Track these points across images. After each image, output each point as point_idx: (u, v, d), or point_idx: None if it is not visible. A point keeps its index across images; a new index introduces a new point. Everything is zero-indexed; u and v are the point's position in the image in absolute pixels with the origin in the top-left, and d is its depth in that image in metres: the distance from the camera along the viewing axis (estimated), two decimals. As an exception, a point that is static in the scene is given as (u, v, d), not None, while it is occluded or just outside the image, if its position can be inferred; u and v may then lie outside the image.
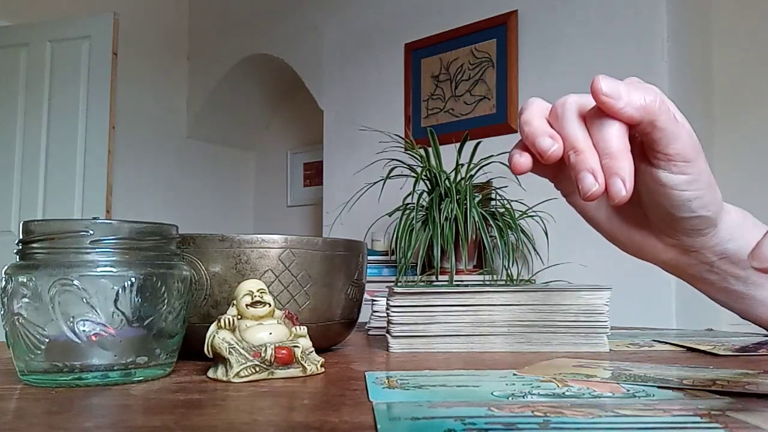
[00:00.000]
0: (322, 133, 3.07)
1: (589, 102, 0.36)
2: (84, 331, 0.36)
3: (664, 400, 0.30)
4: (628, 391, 0.33)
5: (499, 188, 2.21)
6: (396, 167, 2.22)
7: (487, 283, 1.95)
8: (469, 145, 2.17)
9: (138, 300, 0.37)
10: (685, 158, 0.37)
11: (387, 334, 0.54)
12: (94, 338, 0.36)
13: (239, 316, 0.40)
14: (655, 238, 0.44)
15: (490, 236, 2.06)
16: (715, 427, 0.25)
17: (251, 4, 3.45)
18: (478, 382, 0.36)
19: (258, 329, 0.40)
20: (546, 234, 2.10)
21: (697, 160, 0.38)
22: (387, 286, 0.58)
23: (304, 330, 0.41)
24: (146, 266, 0.38)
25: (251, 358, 0.38)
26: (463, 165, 2.15)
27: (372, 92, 2.87)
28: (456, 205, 2.02)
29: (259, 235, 0.48)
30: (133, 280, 0.37)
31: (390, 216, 2.24)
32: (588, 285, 0.53)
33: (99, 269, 0.37)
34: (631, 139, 0.37)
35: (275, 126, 4.06)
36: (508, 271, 2.08)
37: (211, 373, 0.39)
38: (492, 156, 2.10)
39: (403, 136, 2.58)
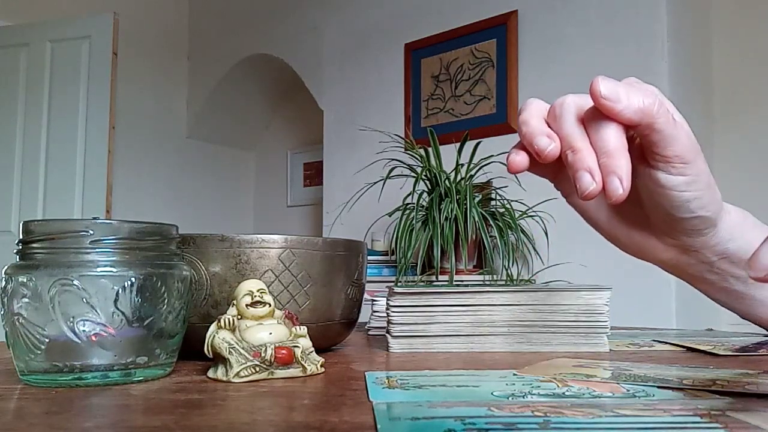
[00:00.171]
0: (322, 133, 3.07)
1: (588, 102, 0.36)
2: (84, 331, 0.36)
3: (664, 400, 0.30)
4: (628, 391, 0.33)
5: (499, 188, 2.21)
6: (396, 167, 2.22)
7: (487, 283, 1.95)
8: (469, 145, 2.17)
9: (138, 300, 0.37)
10: (683, 160, 0.37)
11: (387, 334, 0.54)
12: (94, 338, 0.36)
13: (239, 316, 0.40)
14: (655, 238, 0.44)
15: (490, 236, 2.06)
16: (715, 427, 0.25)
17: (251, 4, 3.45)
18: (478, 382, 0.36)
19: (258, 329, 0.40)
20: (546, 234, 2.10)
21: (695, 161, 0.38)
22: (387, 286, 0.58)
23: (304, 330, 0.41)
24: (146, 266, 0.38)
25: (251, 358, 0.38)
26: (463, 165, 2.15)
27: (372, 92, 2.87)
28: (456, 205, 2.02)
29: (259, 235, 0.48)
30: (133, 280, 0.37)
31: (390, 216, 2.24)
32: (588, 285, 0.53)
33: (99, 269, 0.37)
34: (630, 140, 0.37)
35: (275, 126, 4.06)
36: (508, 271, 2.08)
37: (211, 373, 0.39)
38: (492, 156, 2.10)
39: (403, 136, 2.58)
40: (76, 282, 0.36)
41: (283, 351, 0.39)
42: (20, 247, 0.38)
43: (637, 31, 2.14)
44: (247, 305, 0.40)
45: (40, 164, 2.75)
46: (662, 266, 0.47)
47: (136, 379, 0.38)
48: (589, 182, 0.34)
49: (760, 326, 0.49)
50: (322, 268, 0.51)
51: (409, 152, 2.30)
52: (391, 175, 2.20)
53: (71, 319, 0.36)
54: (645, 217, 0.43)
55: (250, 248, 0.48)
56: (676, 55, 2.12)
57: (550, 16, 2.35)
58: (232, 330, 0.39)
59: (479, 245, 2.17)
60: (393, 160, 2.27)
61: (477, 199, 2.12)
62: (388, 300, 0.54)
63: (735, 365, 0.43)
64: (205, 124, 3.73)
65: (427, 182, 2.20)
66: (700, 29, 2.39)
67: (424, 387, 0.34)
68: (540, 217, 2.09)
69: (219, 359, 0.39)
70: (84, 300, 0.36)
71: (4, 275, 0.37)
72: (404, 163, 2.23)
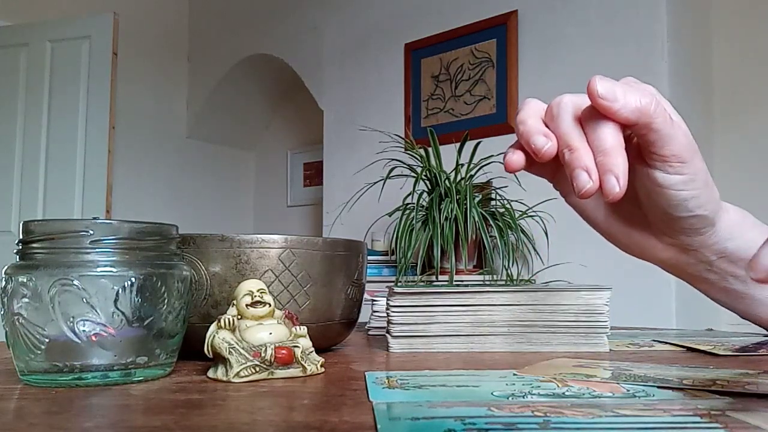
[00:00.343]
0: (322, 133, 3.08)
1: (585, 101, 0.36)
2: (84, 331, 0.36)
3: (664, 400, 0.30)
4: (628, 391, 0.33)
5: (499, 188, 2.21)
6: (396, 167, 2.22)
7: (487, 283, 1.95)
8: (469, 145, 2.17)
9: (138, 300, 0.37)
10: (680, 159, 0.37)
11: (387, 334, 0.54)
12: (94, 338, 0.36)
13: (239, 316, 0.40)
14: (654, 237, 0.44)
15: (490, 236, 2.06)
16: (715, 427, 0.25)
17: (251, 4, 3.45)
18: (478, 382, 0.36)
19: (258, 329, 0.40)
20: (546, 234, 2.10)
21: (693, 160, 0.38)
22: (387, 286, 0.58)
23: (304, 330, 0.41)
24: (146, 266, 0.38)
25: (251, 358, 0.38)
26: (463, 165, 2.15)
27: (372, 92, 2.87)
28: (456, 205, 2.02)
29: (259, 235, 0.48)
30: (133, 280, 0.37)
31: (390, 216, 2.24)
32: (588, 285, 0.53)
33: (99, 269, 0.37)
34: (627, 139, 0.37)
35: (275, 126, 4.06)
36: (508, 271, 2.08)
37: (211, 373, 0.39)
38: (492, 156, 2.10)
39: (403, 136, 2.58)
40: (76, 282, 0.36)
41: (283, 351, 0.39)
42: (20, 247, 0.38)
43: (637, 31, 2.14)
44: (247, 305, 0.40)
45: (40, 164, 2.75)
46: (661, 265, 0.47)
47: (136, 379, 0.38)
48: (586, 181, 0.35)
49: (759, 326, 0.49)
50: (322, 268, 0.51)
51: (409, 152, 2.30)
52: (391, 175, 2.20)
53: (71, 319, 0.36)
54: (643, 217, 0.43)
55: (250, 248, 0.48)
56: (676, 55, 2.12)
57: (550, 16, 2.35)
58: (232, 330, 0.39)
59: (479, 245, 2.17)
60: (393, 160, 2.27)
61: (477, 199, 2.12)
62: (388, 300, 0.54)
63: (735, 365, 0.43)
64: (205, 124, 3.73)
65: (427, 182, 2.20)
66: (700, 29, 2.39)
67: (424, 387, 0.34)
68: (540, 217, 2.09)
69: (219, 359, 0.39)
70: (84, 300, 0.36)
71: (4, 275, 0.37)
72: (404, 163, 2.23)
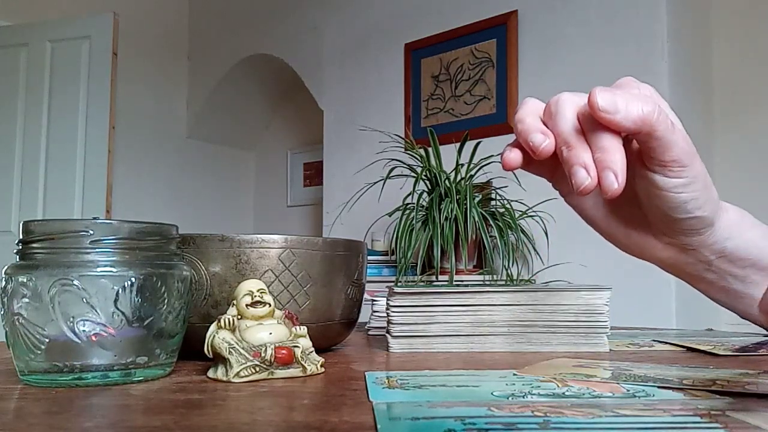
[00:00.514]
0: (322, 133, 3.08)
1: (583, 99, 0.37)
2: (84, 331, 0.36)
3: (664, 400, 0.30)
4: (628, 391, 0.33)
5: (499, 188, 2.21)
6: (396, 167, 2.22)
7: (487, 283, 1.95)
8: (469, 145, 2.17)
9: (138, 300, 0.37)
10: (681, 163, 0.38)
11: (387, 334, 0.54)
12: (94, 338, 0.36)
13: (239, 316, 0.40)
14: (653, 237, 0.44)
15: (490, 236, 2.06)
16: (715, 427, 0.25)
17: (251, 4, 3.45)
18: (478, 382, 0.36)
19: (258, 329, 0.40)
20: (546, 234, 2.10)
21: (692, 163, 0.38)
22: (387, 286, 0.58)
23: (304, 330, 0.41)
24: (146, 266, 0.38)
25: (251, 358, 0.38)
26: (463, 165, 2.15)
27: (372, 92, 2.87)
28: (456, 205, 2.02)
29: (259, 235, 0.48)
30: (133, 280, 0.37)
31: (390, 216, 2.24)
32: (588, 285, 0.53)
33: (99, 269, 0.37)
34: (627, 140, 0.38)
35: (275, 126, 4.06)
36: (508, 271, 2.08)
37: (211, 373, 0.39)
38: (492, 156, 2.10)
39: (403, 136, 2.58)
40: (76, 282, 0.36)
41: (283, 351, 0.39)
42: (20, 247, 0.38)
43: (637, 31, 2.14)
44: (247, 305, 0.40)
45: (40, 164, 2.75)
46: (660, 265, 0.47)
47: (136, 379, 0.38)
48: (584, 177, 0.35)
49: (759, 325, 0.49)
50: (322, 268, 0.51)
51: (409, 152, 2.30)
52: (391, 175, 2.20)
53: (71, 319, 0.36)
54: (643, 217, 0.43)
55: (250, 248, 0.48)
56: (676, 55, 2.12)
57: (550, 16, 2.35)
58: (232, 330, 0.39)
59: (479, 245, 2.17)
60: (393, 160, 2.27)
61: (477, 199, 2.12)
62: (388, 300, 0.54)
63: (735, 365, 0.43)
64: (205, 124, 3.73)
65: (427, 182, 2.20)
66: (700, 29, 2.39)
67: (424, 387, 0.34)
68: (540, 217, 2.09)
69: (219, 359, 0.39)
70: (84, 300, 0.36)
71: (4, 275, 0.37)
72: (404, 163, 2.23)
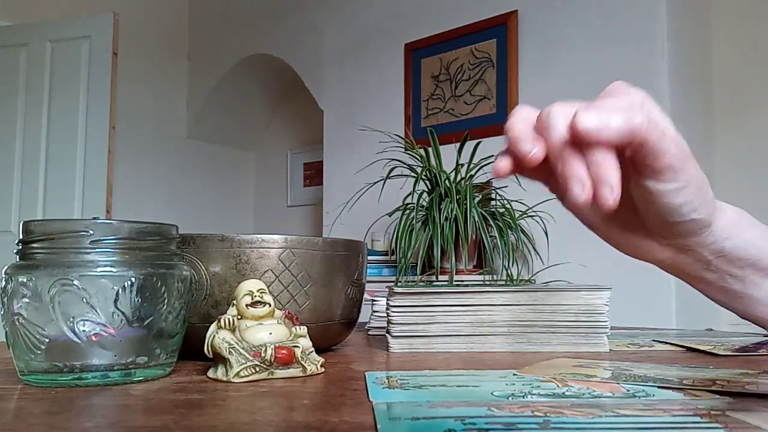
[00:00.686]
0: (322, 133, 3.07)
1: (575, 110, 0.37)
2: (84, 331, 0.36)
3: (664, 400, 0.30)
4: (628, 391, 0.33)
5: (499, 188, 2.21)
6: (396, 167, 2.22)
7: (487, 283, 1.95)
8: (469, 145, 2.17)
9: (138, 300, 0.37)
10: (673, 169, 0.38)
11: (387, 334, 0.54)
12: (94, 338, 0.36)
13: (239, 316, 0.40)
14: (651, 239, 0.44)
15: (490, 236, 2.06)
16: (715, 427, 0.25)
17: (251, 4, 3.45)
18: (478, 382, 0.36)
19: (258, 329, 0.40)
20: (546, 234, 2.10)
21: (685, 168, 0.38)
22: (387, 286, 0.58)
23: (304, 330, 0.41)
24: (146, 266, 0.38)
25: (251, 358, 0.38)
26: (463, 165, 2.15)
27: (372, 92, 2.87)
28: (456, 205, 2.02)
29: (259, 235, 0.48)
30: (133, 280, 0.37)
31: (390, 216, 2.24)
32: (588, 285, 0.53)
33: (99, 269, 0.37)
34: (619, 148, 0.38)
35: (275, 126, 4.06)
36: (508, 271, 2.08)
37: (211, 373, 0.39)
38: (492, 156, 2.09)
39: (403, 136, 2.58)
40: (76, 282, 0.36)
41: (283, 351, 0.38)
42: (20, 247, 0.38)
43: (637, 31, 2.14)
44: (247, 305, 0.40)
45: (40, 164, 2.75)
46: (660, 265, 0.47)
47: (136, 379, 0.38)
48: (580, 191, 0.35)
49: (759, 325, 0.49)
50: (322, 268, 0.51)
51: (409, 152, 2.30)
52: (391, 175, 2.20)
53: (71, 319, 0.36)
54: (640, 220, 0.43)
55: (250, 248, 0.48)
56: (676, 55, 2.12)
57: (550, 16, 2.35)
58: (232, 330, 0.39)
59: (479, 245, 2.17)
60: (393, 160, 2.27)
61: (477, 199, 2.12)
62: (388, 300, 0.54)
63: (735, 365, 0.43)
64: (205, 124, 3.73)
65: (427, 182, 2.20)
66: (700, 29, 2.39)
67: (424, 387, 0.34)
68: (540, 217, 2.09)
69: (219, 359, 0.39)
70: (84, 300, 0.36)
71: (4, 275, 0.37)
72: (404, 163, 2.23)
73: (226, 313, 0.40)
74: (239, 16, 3.49)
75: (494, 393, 0.32)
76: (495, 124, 2.44)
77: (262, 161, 4.11)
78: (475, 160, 2.16)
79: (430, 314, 0.53)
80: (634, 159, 0.38)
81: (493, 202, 2.22)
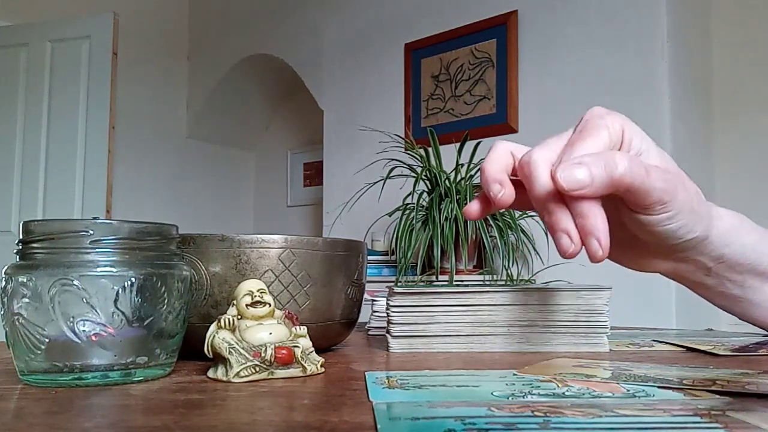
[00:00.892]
0: (322, 133, 3.08)
1: (555, 155, 0.37)
2: (84, 331, 0.36)
3: (664, 400, 0.30)
4: (628, 391, 0.33)
5: (499, 188, 2.21)
6: (396, 167, 2.22)
7: (487, 283, 1.95)
8: (469, 145, 2.17)
9: (138, 300, 0.37)
10: (663, 202, 0.38)
11: (387, 334, 0.54)
12: (94, 338, 0.36)
13: (239, 316, 0.40)
14: (650, 255, 0.45)
15: (490, 236, 2.06)
16: (715, 427, 0.25)
17: (251, 4, 3.45)
18: (478, 382, 0.36)
19: (258, 329, 0.40)
20: (546, 234, 2.10)
21: (675, 196, 0.38)
22: (387, 286, 0.58)
23: (304, 330, 0.41)
24: (146, 266, 0.38)
25: (251, 358, 0.38)
26: (463, 165, 2.15)
27: (372, 92, 2.87)
28: (456, 205, 2.02)
29: (259, 235, 0.48)
30: (133, 280, 0.37)
31: (390, 216, 2.24)
32: (588, 285, 0.53)
33: (99, 269, 0.37)
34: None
35: (275, 126, 4.06)
36: (508, 271, 2.08)
37: (211, 373, 0.39)
38: (492, 156, 2.09)
39: (403, 136, 2.58)
40: (76, 282, 0.36)
41: (283, 351, 0.39)
42: (20, 247, 0.38)
43: (637, 31, 2.14)
44: (247, 305, 0.40)
45: (40, 164, 2.75)
46: (661, 274, 0.48)
47: (136, 379, 0.38)
48: (568, 245, 0.35)
49: (758, 327, 0.50)
50: (322, 268, 0.51)
51: (409, 152, 2.30)
52: (391, 175, 2.20)
53: (71, 319, 0.36)
54: (637, 240, 0.44)
55: (250, 248, 0.48)
56: (676, 55, 2.12)
57: (550, 16, 2.35)
58: (232, 330, 0.39)
59: (479, 245, 2.17)
60: (393, 160, 2.27)
61: (477, 199, 2.12)
62: (388, 300, 0.54)
63: (735, 365, 0.43)
64: (205, 124, 3.73)
65: (427, 182, 2.20)
66: (700, 29, 2.39)
67: (424, 387, 0.34)
68: (540, 217, 2.09)
69: (219, 359, 0.39)
70: (84, 300, 0.36)
71: (4, 275, 0.37)
72: (404, 163, 2.23)
73: (226, 313, 0.40)
74: (239, 16, 3.49)
75: (494, 393, 0.32)
76: (495, 124, 2.44)
77: (262, 161, 4.11)
78: (475, 160, 2.16)
79: (430, 314, 0.53)
80: (623, 198, 0.38)
81: (493, 202, 2.22)
